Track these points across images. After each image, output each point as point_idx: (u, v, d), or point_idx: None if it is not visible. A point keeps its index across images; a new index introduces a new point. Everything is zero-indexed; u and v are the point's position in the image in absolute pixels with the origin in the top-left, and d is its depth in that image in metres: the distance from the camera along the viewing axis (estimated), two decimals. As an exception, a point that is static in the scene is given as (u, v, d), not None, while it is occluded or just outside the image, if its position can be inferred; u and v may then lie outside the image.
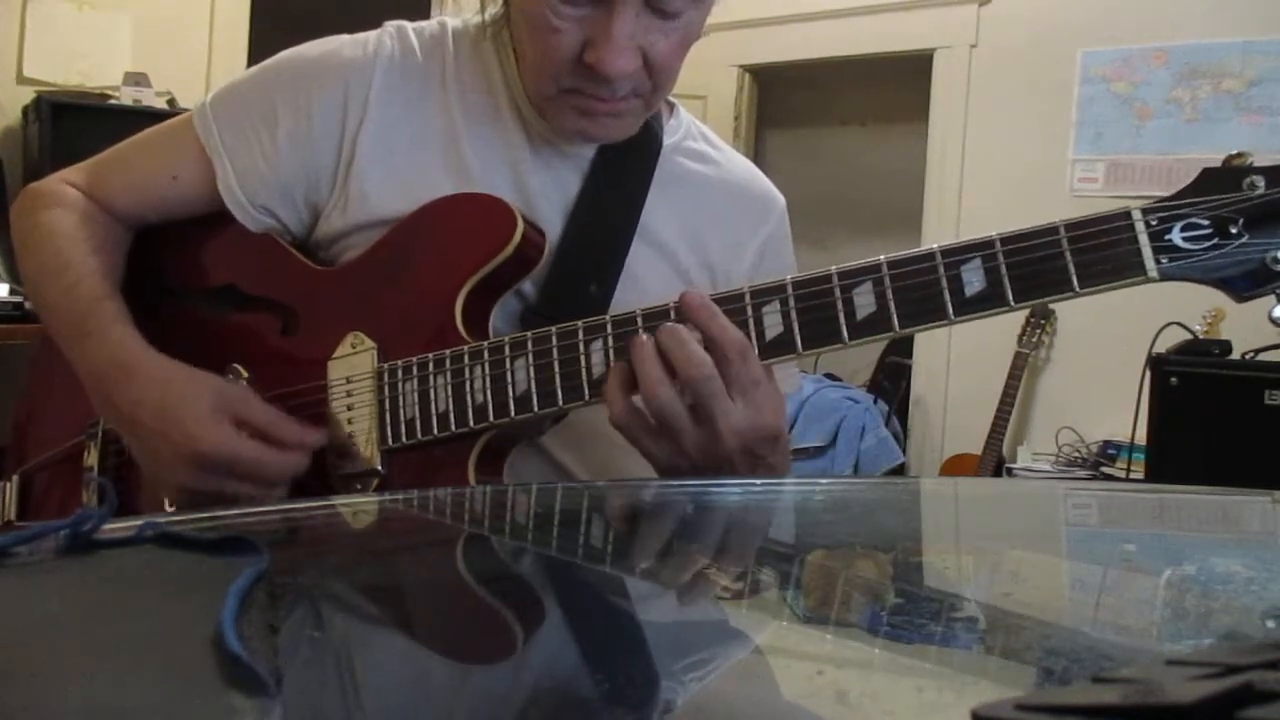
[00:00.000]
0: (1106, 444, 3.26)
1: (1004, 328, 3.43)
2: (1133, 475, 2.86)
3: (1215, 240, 0.66)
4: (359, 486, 0.84)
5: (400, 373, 0.83)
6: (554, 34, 0.78)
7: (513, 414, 0.79)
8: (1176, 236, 0.67)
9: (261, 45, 2.81)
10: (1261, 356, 2.25)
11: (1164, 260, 0.67)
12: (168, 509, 0.89)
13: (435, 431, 0.81)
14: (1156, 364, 2.24)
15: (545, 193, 0.90)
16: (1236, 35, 3.19)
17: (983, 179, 3.65)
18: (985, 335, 3.48)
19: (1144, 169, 3.31)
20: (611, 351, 0.76)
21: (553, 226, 0.89)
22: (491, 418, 0.79)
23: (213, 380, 0.82)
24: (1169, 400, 2.21)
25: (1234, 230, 0.66)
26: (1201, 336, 2.60)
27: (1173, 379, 2.20)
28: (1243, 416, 2.11)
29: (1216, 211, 0.66)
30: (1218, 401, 2.16)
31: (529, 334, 0.79)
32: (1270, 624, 0.43)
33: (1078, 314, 3.39)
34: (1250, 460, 2.05)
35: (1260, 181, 0.66)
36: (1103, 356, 3.28)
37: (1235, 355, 2.31)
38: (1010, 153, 3.57)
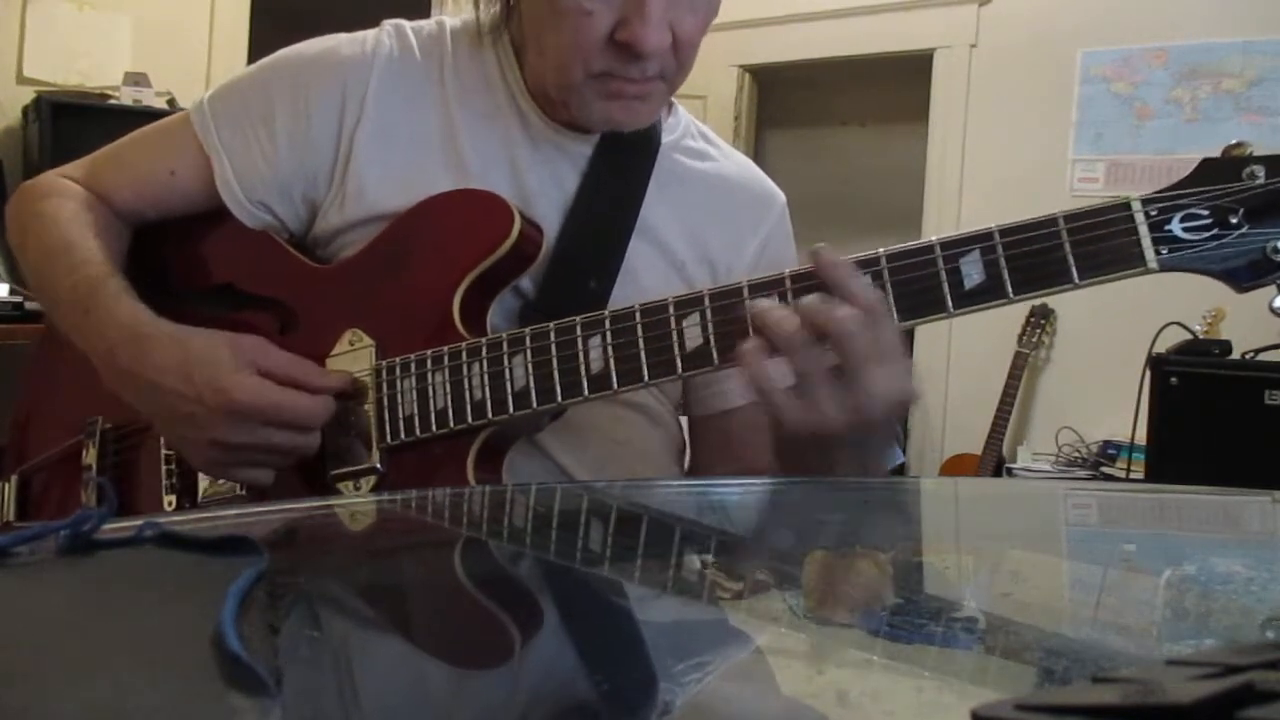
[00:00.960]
0: (1106, 444, 3.26)
1: (1004, 327, 3.44)
2: (1133, 475, 2.86)
3: (1215, 230, 0.66)
4: (357, 484, 0.84)
5: (398, 370, 0.83)
6: (585, 17, 0.78)
7: (511, 410, 0.79)
8: (1176, 227, 0.66)
9: (261, 45, 2.80)
10: (1261, 356, 2.25)
11: (1163, 251, 0.66)
12: (167, 508, 0.89)
13: (434, 428, 0.81)
14: (1156, 364, 2.25)
15: (544, 190, 0.90)
16: (1236, 35, 3.19)
17: (983, 179, 3.65)
18: (985, 335, 3.48)
19: (1144, 169, 3.31)
20: (610, 347, 0.76)
21: (551, 223, 0.89)
22: (490, 414, 0.79)
23: (227, 335, 0.82)
24: (1169, 400, 2.21)
25: (1234, 220, 0.66)
26: (1201, 336, 2.60)
27: (1173, 379, 2.20)
28: (1243, 416, 2.12)
29: (1216, 202, 0.66)
30: (1218, 401, 2.16)
31: (527, 330, 0.79)
32: (1270, 634, 0.43)
33: (1078, 314, 3.39)
34: (1250, 460, 2.05)
35: (1260, 171, 0.66)
36: (1103, 356, 3.28)
37: (1235, 355, 2.31)
38: (1010, 153, 3.57)
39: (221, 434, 0.79)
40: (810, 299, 0.69)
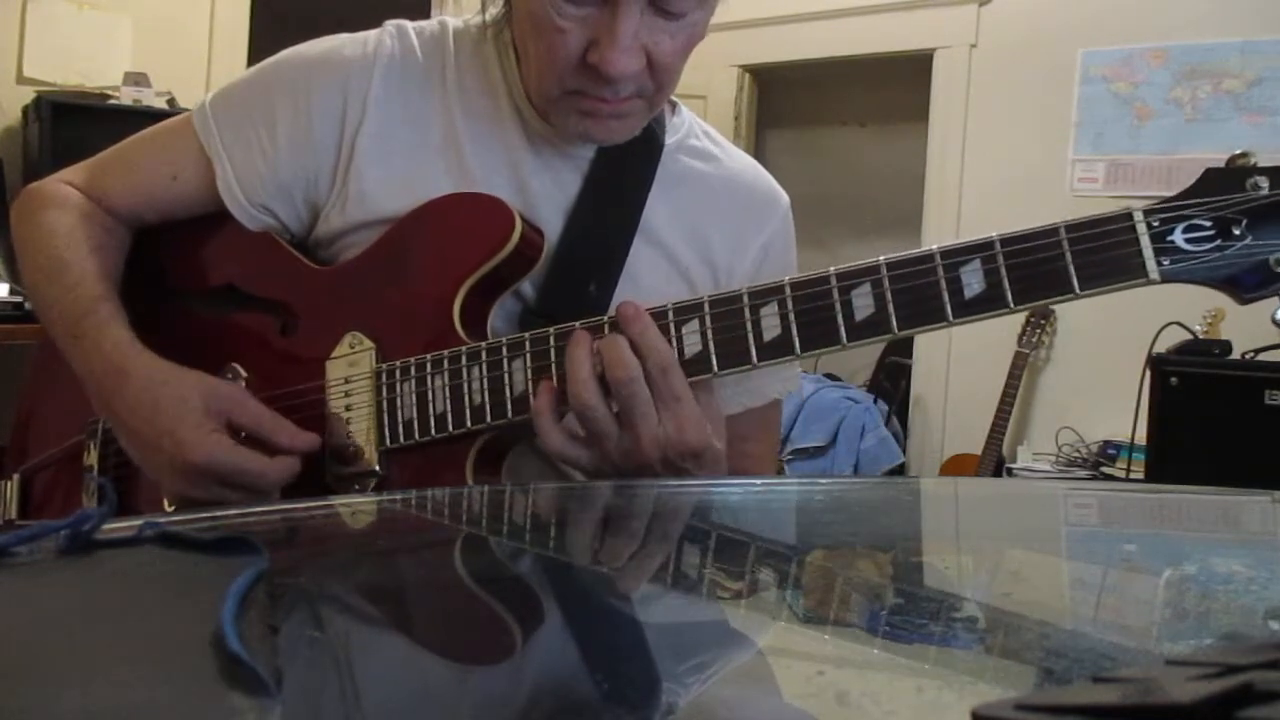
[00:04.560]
0: (1106, 444, 3.26)
1: (1004, 328, 3.43)
2: (1133, 475, 2.86)
3: (1218, 241, 0.66)
4: (357, 487, 0.84)
5: (398, 373, 0.83)
6: (558, 34, 0.78)
7: (510, 415, 0.79)
8: (1178, 237, 0.66)
9: (261, 45, 2.81)
10: (1261, 356, 2.25)
11: (1165, 261, 0.66)
12: (167, 509, 0.89)
13: (433, 432, 0.81)
14: (1156, 364, 2.24)
15: (545, 193, 0.90)
16: (1236, 35, 3.19)
17: (983, 179, 3.65)
18: (985, 335, 3.48)
19: (1144, 169, 3.31)
20: None
21: (553, 227, 0.89)
22: (489, 418, 0.79)
23: (205, 383, 0.82)
24: (1169, 400, 2.21)
25: (1237, 231, 0.65)
26: (1201, 336, 2.60)
27: (1173, 379, 2.20)
28: (1243, 416, 2.11)
29: (1219, 212, 0.66)
30: (1218, 401, 2.16)
31: (527, 334, 0.79)
32: (1274, 624, 0.43)
33: (1078, 314, 3.39)
34: (1250, 460, 2.05)
35: (1264, 182, 0.65)
36: (1103, 356, 3.28)
37: (1235, 355, 2.30)
38: (1010, 153, 3.57)
39: (178, 486, 0.80)
40: (608, 348, 0.73)
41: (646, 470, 0.75)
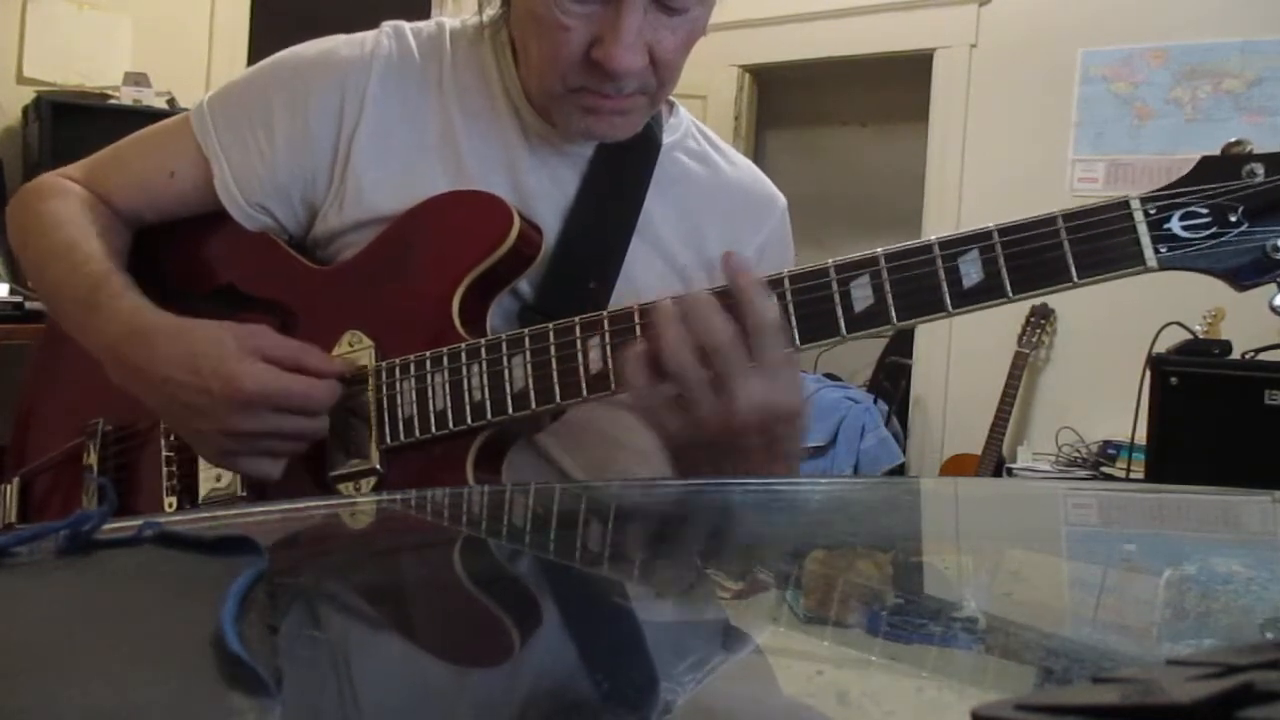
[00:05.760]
0: (1106, 444, 3.26)
1: (1004, 327, 3.43)
2: (1133, 475, 2.86)
3: (1215, 229, 0.66)
4: (357, 485, 0.84)
5: (398, 371, 0.83)
6: (562, 32, 0.78)
7: (510, 411, 0.79)
8: (1175, 225, 0.66)
9: (261, 45, 2.81)
10: (1261, 356, 2.25)
11: (1163, 249, 0.66)
12: (168, 510, 0.89)
13: (433, 430, 0.81)
14: (1156, 364, 2.24)
15: (543, 192, 0.90)
16: (1236, 35, 3.19)
17: (983, 179, 3.65)
18: (985, 335, 3.48)
19: (1144, 169, 3.31)
20: (609, 348, 0.76)
21: (551, 225, 0.89)
22: (489, 415, 0.79)
23: (229, 324, 0.82)
24: (1169, 400, 2.21)
25: (1233, 219, 0.65)
26: (1201, 336, 2.60)
27: (1173, 379, 2.20)
28: (1243, 416, 2.11)
29: (1216, 200, 0.66)
30: (1218, 401, 2.16)
31: (526, 331, 0.79)
32: (1270, 634, 0.43)
33: (1078, 314, 3.39)
34: (1250, 460, 2.05)
35: (1259, 169, 0.65)
36: (1103, 356, 3.28)
37: (1235, 355, 2.31)
38: (1010, 153, 3.57)
39: (232, 423, 0.78)
40: (690, 300, 0.71)
41: (741, 441, 0.72)
